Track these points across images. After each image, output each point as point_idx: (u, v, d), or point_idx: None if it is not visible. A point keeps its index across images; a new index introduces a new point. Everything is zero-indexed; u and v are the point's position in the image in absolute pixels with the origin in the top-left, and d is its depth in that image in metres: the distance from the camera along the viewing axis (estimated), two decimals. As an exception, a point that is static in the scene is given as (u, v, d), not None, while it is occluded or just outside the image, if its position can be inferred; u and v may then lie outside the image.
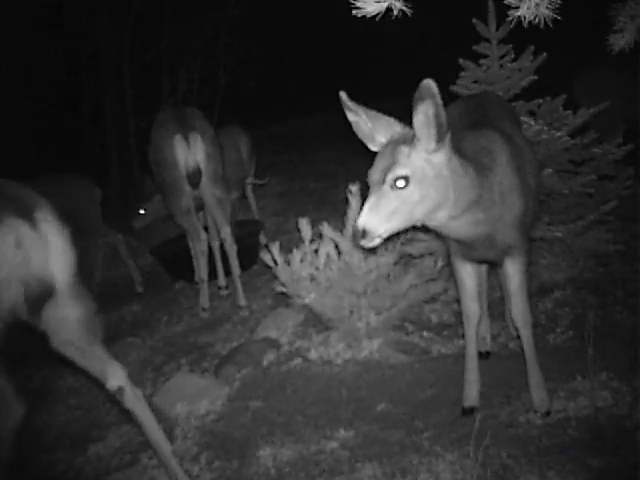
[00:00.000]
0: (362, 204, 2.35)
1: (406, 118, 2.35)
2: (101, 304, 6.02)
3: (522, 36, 3.51)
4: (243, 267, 5.31)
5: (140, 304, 5.66)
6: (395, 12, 1.92)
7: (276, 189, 8.59)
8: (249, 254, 5.63)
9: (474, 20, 4.35)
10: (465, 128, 2.84)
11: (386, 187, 2.26)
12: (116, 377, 2.69)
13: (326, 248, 3.88)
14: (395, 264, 3.92)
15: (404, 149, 2.28)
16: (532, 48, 4.27)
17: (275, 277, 4.02)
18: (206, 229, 5.24)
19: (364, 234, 2.24)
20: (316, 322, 4.10)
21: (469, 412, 2.98)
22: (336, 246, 3.87)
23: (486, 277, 3.64)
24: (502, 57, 4.36)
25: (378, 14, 1.93)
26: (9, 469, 2.64)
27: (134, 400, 2.73)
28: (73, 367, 2.76)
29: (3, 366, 2.63)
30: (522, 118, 4.06)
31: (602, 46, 2.22)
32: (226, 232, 4.95)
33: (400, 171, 2.25)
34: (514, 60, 4.34)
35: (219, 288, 5.41)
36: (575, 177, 4.27)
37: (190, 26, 11.27)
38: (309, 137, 11.96)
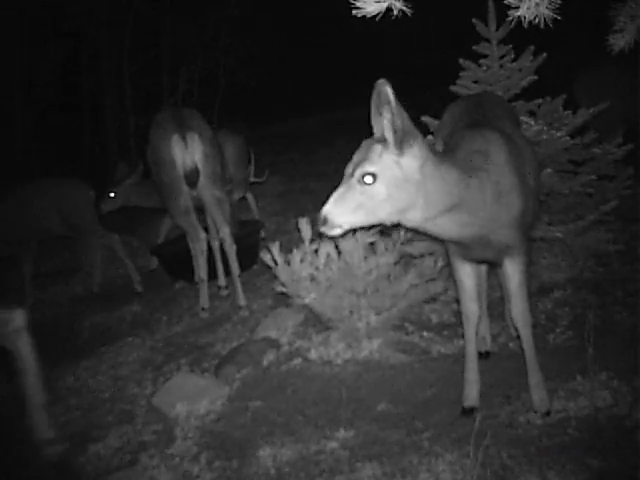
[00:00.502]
0: None
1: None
2: (101, 304, 6.09)
3: (522, 36, 3.51)
4: (243, 267, 5.31)
5: (140, 304, 5.67)
6: (395, 12, 1.92)
7: (276, 189, 8.59)
8: (249, 254, 5.63)
9: (474, 20, 4.35)
10: (465, 128, 2.85)
11: (354, 181, 2.33)
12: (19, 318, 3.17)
13: (326, 248, 3.88)
14: (395, 264, 3.92)
15: (377, 148, 2.33)
16: (532, 48, 4.27)
17: (275, 277, 4.02)
18: (206, 229, 5.24)
19: (325, 221, 2.34)
20: (316, 322, 4.10)
21: (469, 412, 2.98)
22: (336, 246, 3.87)
23: (486, 277, 3.64)
24: (502, 57, 4.36)
25: (378, 14, 1.93)
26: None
27: (26, 343, 3.19)
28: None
29: None
30: (522, 118, 4.06)
31: (602, 46, 2.22)
32: (225, 232, 4.95)
33: (368, 168, 2.31)
34: (514, 60, 4.34)
35: (219, 288, 5.42)
36: (575, 177, 4.27)
37: (190, 26, 11.27)
38: (309, 137, 11.96)
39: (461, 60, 4.43)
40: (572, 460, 2.51)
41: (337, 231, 2.37)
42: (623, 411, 2.76)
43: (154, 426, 3.52)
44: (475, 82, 4.42)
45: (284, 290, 3.98)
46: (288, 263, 3.92)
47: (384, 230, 3.87)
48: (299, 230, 3.92)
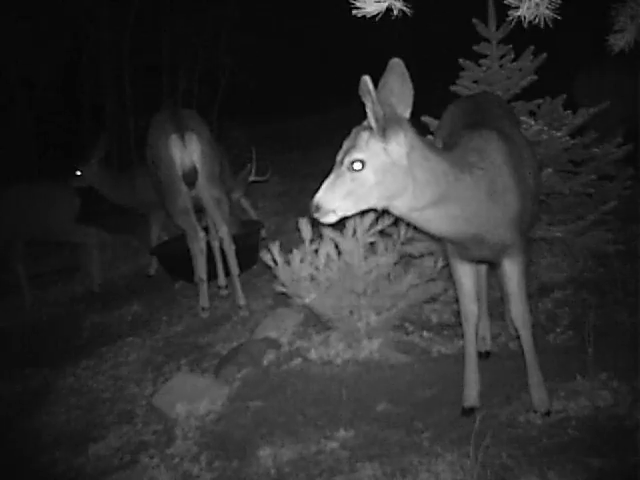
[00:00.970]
0: None
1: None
2: (101, 304, 6.09)
3: (522, 36, 3.51)
4: (243, 267, 5.31)
5: (140, 304, 5.66)
6: (395, 12, 1.93)
7: (276, 189, 8.59)
8: (249, 254, 5.63)
9: (474, 20, 4.36)
10: (464, 127, 2.85)
11: (344, 168, 2.40)
12: None
13: (326, 248, 3.87)
14: (395, 264, 3.92)
15: (364, 135, 2.39)
16: (532, 48, 4.28)
17: (275, 277, 4.02)
18: (206, 229, 5.24)
19: (317, 208, 2.41)
20: (316, 322, 4.10)
21: (469, 412, 2.98)
22: (336, 246, 3.87)
23: (486, 277, 3.64)
24: (502, 57, 4.37)
25: (378, 14, 1.93)
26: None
27: None
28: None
29: None
30: (522, 118, 4.06)
31: (602, 46, 2.22)
32: (224, 232, 4.95)
33: (357, 155, 2.38)
34: (514, 60, 4.34)
35: (219, 288, 5.42)
36: (575, 177, 4.27)
37: (190, 26, 11.27)
38: (309, 137, 11.96)
39: (461, 60, 4.44)
40: (572, 460, 2.51)
41: (331, 217, 2.44)
42: (623, 411, 2.76)
43: (154, 426, 3.52)
44: (475, 82, 4.42)
45: (284, 290, 3.98)
46: (288, 263, 3.92)
47: (384, 230, 3.88)
48: (299, 230, 3.92)
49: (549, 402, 2.86)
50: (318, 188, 2.43)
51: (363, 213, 3.20)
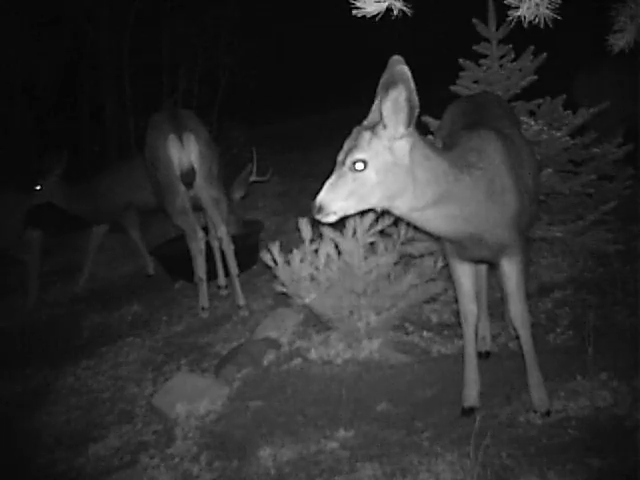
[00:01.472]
0: None
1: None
2: (101, 304, 6.09)
3: (522, 36, 3.51)
4: (243, 267, 5.31)
5: (140, 304, 5.66)
6: (395, 12, 1.93)
7: (276, 189, 8.58)
8: (249, 254, 5.63)
9: (474, 20, 4.36)
10: (463, 128, 2.86)
11: (345, 169, 2.39)
12: None
13: (326, 248, 3.87)
14: (395, 264, 3.92)
15: (366, 134, 2.38)
16: (532, 48, 4.28)
17: (275, 277, 4.02)
18: (206, 229, 5.23)
19: (320, 209, 2.41)
20: (316, 322, 4.10)
21: (469, 412, 2.98)
22: (336, 246, 3.87)
23: (486, 277, 3.64)
24: (502, 57, 4.37)
25: (378, 14, 1.93)
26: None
27: None
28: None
29: None
30: (522, 118, 4.06)
31: (602, 46, 2.22)
32: (222, 232, 4.95)
33: (359, 155, 2.37)
34: (514, 60, 4.34)
35: (219, 288, 5.42)
36: (575, 177, 4.27)
37: (190, 26, 11.27)
38: (309, 137, 11.96)
39: (461, 60, 4.44)
40: (572, 460, 2.51)
41: (332, 217, 2.44)
42: (623, 411, 2.76)
43: (154, 426, 3.52)
44: (475, 82, 4.42)
45: (284, 290, 3.98)
46: (288, 263, 3.92)
47: (384, 230, 3.88)
48: (299, 230, 3.92)
49: (549, 402, 2.86)
50: (320, 189, 2.42)
51: (363, 213, 3.20)
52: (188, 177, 4.66)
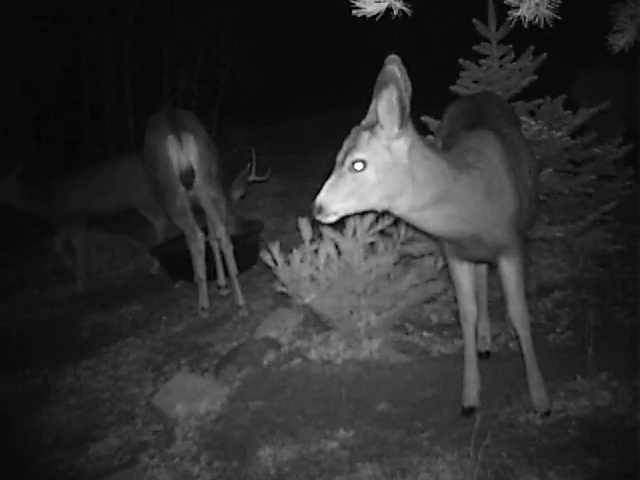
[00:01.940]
0: None
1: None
2: (101, 304, 6.08)
3: (522, 36, 3.51)
4: (243, 267, 5.30)
5: (140, 304, 5.66)
6: (395, 12, 1.92)
7: (276, 189, 8.58)
8: (249, 254, 5.63)
9: (474, 20, 4.36)
10: (463, 128, 2.86)
11: (345, 169, 2.39)
12: None
13: (326, 248, 3.87)
14: (395, 264, 3.92)
15: (365, 134, 2.39)
16: (532, 48, 4.27)
17: (275, 277, 4.02)
18: (205, 230, 5.23)
19: (320, 210, 2.41)
20: (316, 322, 4.10)
21: (469, 412, 2.98)
22: (336, 246, 3.87)
23: (486, 277, 3.64)
24: (502, 57, 4.37)
25: (378, 14, 1.93)
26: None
27: None
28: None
29: None
30: (522, 118, 4.06)
31: (602, 46, 2.22)
32: (221, 232, 4.95)
33: (358, 155, 2.37)
34: (514, 60, 4.34)
35: (219, 288, 5.42)
36: (575, 177, 4.27)
37: (190, 26, 11.27)
38: (309, 137, 11.96)
39: (461, 60, 4.44)
40: (572, 460, 2.51)
41: (332, 218, 2.45)
42: (623, 411, 2.76)
43: (154, 426, 3.52)
44: (475, 82, 4.42)
45: (284, 290, 3.98)
46: (288, 263, 3.92)
47: (384, 230, 3.88)
48: (299, 230, 3.92)
49: (549, 402, 2.86)
50: (319, 189, 2.42)
51: (363, 213, 3.20)
52: (187, 178, 4.66)
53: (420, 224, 2.59)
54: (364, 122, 2.44)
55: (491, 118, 2.99)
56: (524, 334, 2.87)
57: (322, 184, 2.43)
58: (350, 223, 3.78)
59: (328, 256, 3.88)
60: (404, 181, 2.39)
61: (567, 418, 2.79)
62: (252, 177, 6.31)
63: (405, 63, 2.30)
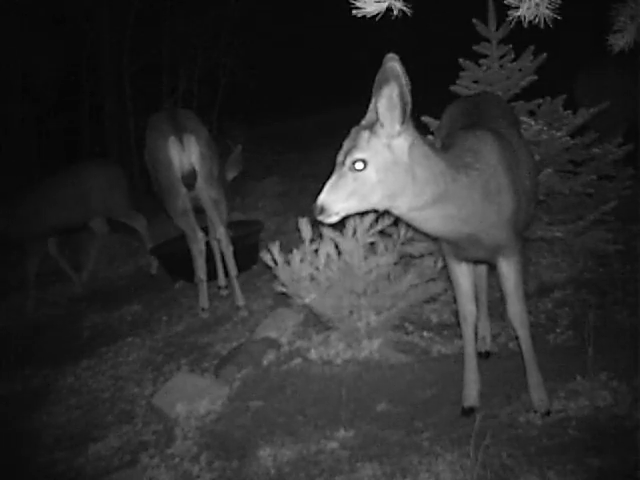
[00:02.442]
0: None
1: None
2: (101, 304, 6.08)
3: (522, 36, 3.51)
4: (243, 267, 5.30)
5: (140, 304, 5.67)
6: (395, 12, 1.93)
7: (276, 189, 8.58)
8: (249, 254, 5.63)
9: (474, 20, 4.36)
10: (461, 128, 2.86)
11: (345, 169, 2.39)
12: None
13: (326, 248, 3.87)
14: (395, 264, 3.92)
15: (365, 134, 2.39)
16: (532, 48, 4.28)
17: (275, 277, 4.02)
18: (205, 230, 5.23)
19: (322, 210, 2.41)
20: (316, 322, 4.10)
21: (469, 412, 2.98)
22: (336, 246, 3.87)
23: (486, 277, 3.64)
24: (502, 57, 4.37)
25: (378, 14, 1.93)
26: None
27: None
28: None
29: None
30: (522, 118, 4.06)
31: (602, 46, 2.23)
32: (221, 232, 4.94)
33: (358, 154, 2.37)
34: (514, 60, 4.34)
35: (219, 288, 5.42)
36: (575, 177, 4.27)
37: (190, 26, 11.27)
38: (309, 137, 11.96)
39: (461, 60, 4.44)
40: (572, 460, 2.51)
41: (334, 218, 2.45)
42: (623, 411, 2.76)
43: (154, 426, 3.52)
44: (475, 82, 4.42)
45: (284, 290, 3.98)
46: (288, 263, 3.92)
47: (384, 230, 3.88)
48: (299, 230, 3.92)
49: (549, 402, 2.86)
50: (320, 190, 2.42)
51: (363, 213, 3.20)
52: (189, 179, 4.66)
53: (419, 224, 2.59)
54: (364, 121, 2.44)
55: (490, 118, 2.99)
56: (523, 334, 2.87)
57: (323, 184, 2.42)
58: (350, 223, 3.78)
59: (328, 256, 3.88)
60: (404, 180, 2.39)
61: (567, 418, 2.79)
62: (231, 174, 6.12)
63: (405, 63, 2.30)
